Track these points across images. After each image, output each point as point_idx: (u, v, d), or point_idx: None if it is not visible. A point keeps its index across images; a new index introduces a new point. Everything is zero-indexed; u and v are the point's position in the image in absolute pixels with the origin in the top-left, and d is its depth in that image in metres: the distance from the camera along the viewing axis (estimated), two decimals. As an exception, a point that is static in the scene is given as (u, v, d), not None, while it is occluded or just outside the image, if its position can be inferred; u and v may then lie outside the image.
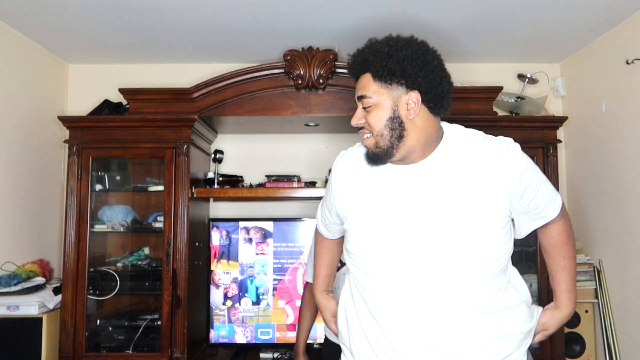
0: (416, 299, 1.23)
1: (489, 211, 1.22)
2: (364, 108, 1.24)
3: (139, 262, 2.69)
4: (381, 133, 1.22)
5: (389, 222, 1.26)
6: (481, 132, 1.30)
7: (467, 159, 1.24)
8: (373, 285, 1.29)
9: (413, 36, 1.26)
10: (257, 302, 2.71)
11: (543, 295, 2.47)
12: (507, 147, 1.25)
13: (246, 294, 2.72)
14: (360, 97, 1.25)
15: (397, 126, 1.22)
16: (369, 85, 1.23)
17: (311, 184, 2.76)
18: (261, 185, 2.78)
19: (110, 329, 2.62)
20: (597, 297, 2.61)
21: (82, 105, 2.99)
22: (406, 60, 1.19)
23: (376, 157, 1.25)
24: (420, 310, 1.23)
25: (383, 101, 1.22)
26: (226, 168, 3.04)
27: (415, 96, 1.20)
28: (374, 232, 1.28)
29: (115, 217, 2.65)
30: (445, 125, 1.31)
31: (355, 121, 1.27)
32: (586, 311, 2.65)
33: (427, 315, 1.23)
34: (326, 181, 2.77)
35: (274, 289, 2.72)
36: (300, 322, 2.17)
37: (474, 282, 1.22)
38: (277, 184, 2.74)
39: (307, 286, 2.17)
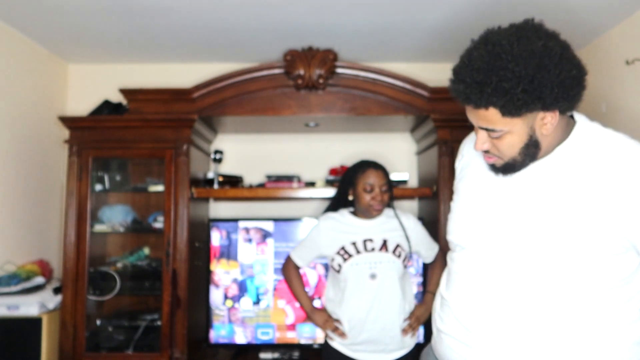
0: (496, 294, 1.15)
1: (593, 224, 1.06)
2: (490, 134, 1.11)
3: (139, 262, 2.69)
4: (514, 158, 1.11)
5: (488, 213, 1.18)
6: (624, 136, 1.11)
7: (590, 160, 1.09)
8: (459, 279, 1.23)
9: (542, 39, 1.04)
10: (257, 302, 2.71)
11: None
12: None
13: (246, 294, 2.72)
14: (485, 129, 1.11)
15: (533, 149, 1.10)
16: (495, 119, 1.07)
17: (311, 184, 2.76)
18: (261, 185, 2.78)
19: (110, 329, 2.62)
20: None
21: (82, 105, 3.00)
22: (545, 89, 1.01)
23: (506, 172, 1.15)
24: (498, 309, 1.14)
25: (516, 129, 1.08)
26: (226, 168, 3.04)
27: (554, 114, 1.07)
28: (473, 220, 1.21)
29: (115, 217, 2.65)
30: (579, 120, 1.16)
31: (480, 147, 1.13)
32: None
33: (501, 316, 1.13)
34: (326, 181, 2.77)
35: (274, 289, 2.72)
36: (295, 292, 2.16)
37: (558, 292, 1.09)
38: (277, 184, 2.74)
39: (290, 261, 2.16)
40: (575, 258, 1.08)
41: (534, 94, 1.01)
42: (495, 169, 1.17)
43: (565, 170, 1.12)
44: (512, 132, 1.08)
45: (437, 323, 1.30)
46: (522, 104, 1.02)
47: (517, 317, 1.12)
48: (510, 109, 1.03)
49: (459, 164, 1.37)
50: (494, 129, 1.09)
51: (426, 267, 2.45)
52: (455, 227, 1.27)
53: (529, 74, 1.00)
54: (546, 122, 1.07)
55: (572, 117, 1.18)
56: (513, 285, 1.13)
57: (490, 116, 1.07)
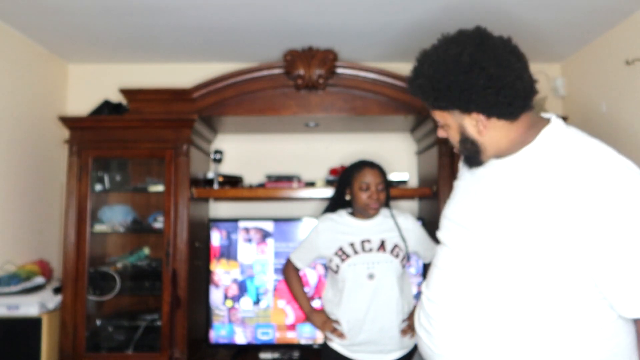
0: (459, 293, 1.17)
1: (548, 233, 1.05)
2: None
3: (139, 262, 2.69)
4: (460, 149, 1.23)
5: (461, 211, 1.25)
6: (601, 144, 1.09)
7: (555, 164, 1.09)
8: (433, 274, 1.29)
9: (462, 47, 1.11)
10: (257, 302, 2.71)
11: None
12: (618, 168, 1.03)
13: (246, 294, 2.72)
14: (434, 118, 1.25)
15: (470, 145, 1.19)
16: (432, 111, 1.23)
17: (311, 184, 2.76)
18: (261, 185, 2.78)
19: (110, 329, 2.62)
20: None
21: (82, 105, 3.00)
22: (451, 90, 1.11)
23: (470, 163, 1.25)
24: (458, 306, 1.17)
25: (450, 123, 1.20)
26: (226, 168, 3.04)
27: (476, 117, 1.14)
28: (447, 218, 1.30)
29: (115, 217, 2.65)
30: (553, 122, 1.15)
31: (441, 134, 1.26)
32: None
33: (460, 312, 1.16)
34: (326, 181, 2.77)
35: (274, 289, 2.72)
36: (294, 293, 2.17)
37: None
38: (277, 184, 2.74)
39: (290, 263, 2.17)
40: (527, 263, 1.08)
41: (441, 93, 1.13)
42: (464, 162, 1.28)
43: (528, 173, 1.12)
44: (448, 125, 1.21)
45: (416, 318, 1.34)
46: (434, 99, 1.16)
47: (473, 313, 1.14)
48: (431, 103, 1.18)
49: (460, 164, 1.43)
50: (435, 118, 1.23)
51: (427, 268, 2.45)
52: (441, 224, 1.35)
53: (437, 76, 1.12)
54: (477, 126, 1.15)
55: (549, 120, 1.18)
56: (474, 280, 1.16)
57: (429, 108, 1.23)
